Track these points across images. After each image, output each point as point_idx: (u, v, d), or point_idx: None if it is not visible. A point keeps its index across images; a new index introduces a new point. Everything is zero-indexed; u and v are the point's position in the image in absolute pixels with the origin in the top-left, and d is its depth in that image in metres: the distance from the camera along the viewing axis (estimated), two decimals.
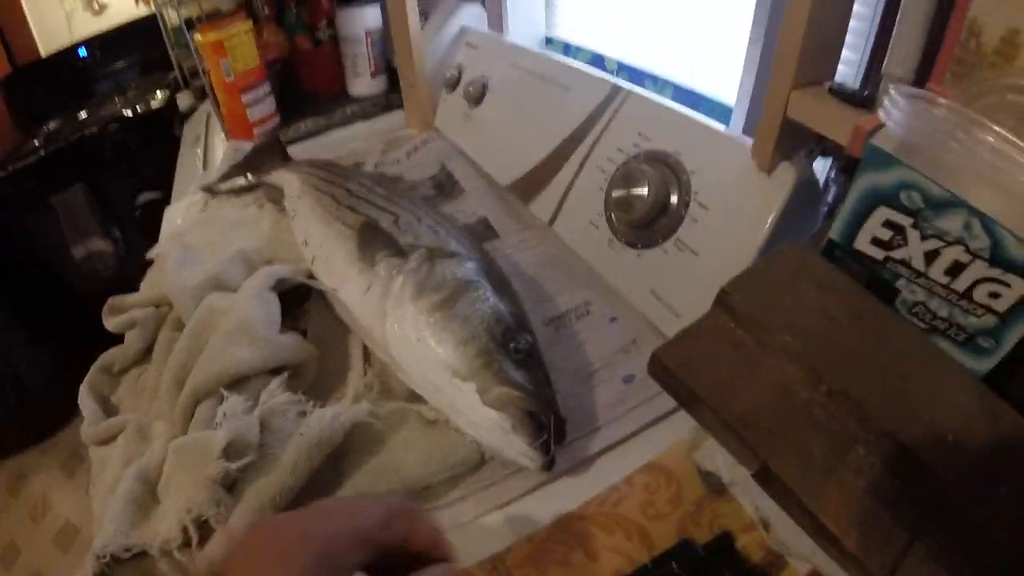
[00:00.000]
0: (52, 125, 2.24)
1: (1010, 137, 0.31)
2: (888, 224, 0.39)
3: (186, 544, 0.45)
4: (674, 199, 0.62)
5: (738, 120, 0.73)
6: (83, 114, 2.22)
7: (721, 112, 0.79)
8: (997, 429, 0.34)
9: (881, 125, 0.38)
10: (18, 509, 2.06)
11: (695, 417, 0.38)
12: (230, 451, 0.47)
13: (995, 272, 0.35)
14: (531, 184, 0.82)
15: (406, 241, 0.62)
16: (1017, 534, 0.30)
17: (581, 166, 0.74)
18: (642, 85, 0.82)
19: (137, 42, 2.41)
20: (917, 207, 0.37)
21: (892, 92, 0.36)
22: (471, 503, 0.49)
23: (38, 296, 2.20)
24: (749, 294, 0.40)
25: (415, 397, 0.55)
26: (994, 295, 0.35)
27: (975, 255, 0.35)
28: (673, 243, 0.61)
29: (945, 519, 0.31)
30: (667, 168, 0.63)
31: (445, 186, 0.90)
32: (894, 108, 0.36)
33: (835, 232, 0.42)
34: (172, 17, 2.03)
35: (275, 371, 0.56)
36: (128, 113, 2.02)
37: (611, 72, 0.98)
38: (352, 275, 0.62)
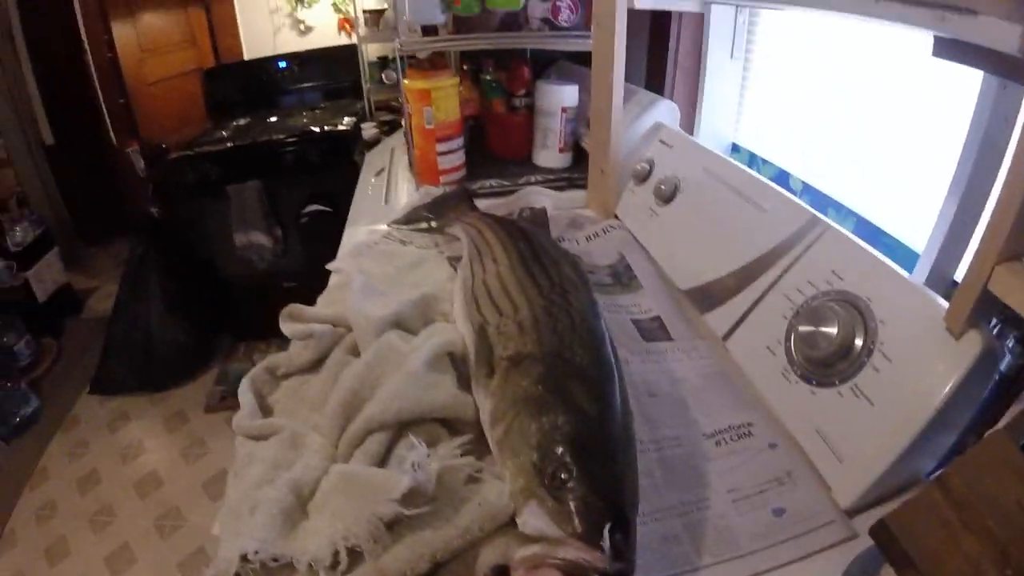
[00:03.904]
0: (242, 121, 2.47)
1: None
2: None
3: (332, 567, 0.46)
4: (859, 344, 0.60)
5: (923, 267, 0.73)
6: (272, 119, 2.43)
7: (903, 254, 0.79)
8: None
9: None
10: (112, 445, 2.20)
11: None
12: (406, 497, 0.48)
13: None
14: (711, 295, 0.81)
15: (498, 353, 0.60)
16: None
17: (767, 291, 0.73)
18: (824, 211, 0.81)
19: (332, 67, 2.65)
20: None
21: None
22: None
23: (190, 269, 2.39)
24: (962, 480, 0.43)
25: None
26: None
27: None
28: (850, 387, 0.60)
29: None
30: (857, 312, 0.61)
31: (622, 277, 0.91)
32: None
33: None
34: (370, 52, 2.23)
35: (443, 423, 0.57)
36: (315, 128, 2.19)
37: (795, 192, 0.97)
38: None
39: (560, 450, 0.48)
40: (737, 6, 1.08)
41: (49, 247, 2.71)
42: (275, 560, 0.47)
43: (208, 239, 2.33)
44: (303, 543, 0.48)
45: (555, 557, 0.42)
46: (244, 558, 0.46)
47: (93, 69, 2.42)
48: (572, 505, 0.44)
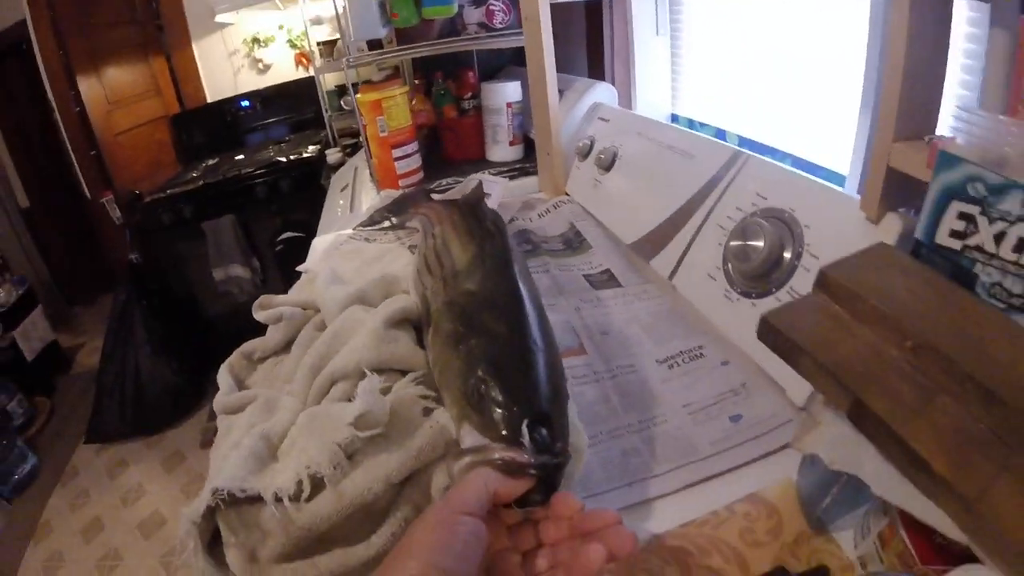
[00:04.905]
0: (211, 161, 2.53)
1: None
2: (961, 216, 0.44)
3: (296, 497, 0.48)
4: (788, 251, 0.65)
5: (852, 185, 0.79)
6: (240, 156, 2.49)
7: (836, 180, 0.84)
8: None
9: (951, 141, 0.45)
10: (112, 491, 2.21)
11: (796, 367, 0.42)
12: (360, 422, 0.50)
13: None
14: (654, 242, 0.86)
15: (432, 308, 0.65)
16: None
17: (702, 225, 0.79)
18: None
19: (293, 100, 2.72)
20: (982, 195, 0.42)
21: (958, 113, 0.44)
22: None
23: (173, 309, 2.43)
24: (845, 275, 0.44)
25: None
26: None
27: None
28: (786, 291, 0.64)
29: None
30: (782, 223, 0.66)
31: (573, 243, 0.97)
32: (960, 124, 0.44)
33: (919, 231, 0.47)
34: (328, 81, 2.30)
35: (403, 374, 0.61)
36: (282, 159, 2.25)
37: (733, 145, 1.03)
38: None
39: (476, 370, 0.51)
40: None
41: (33, 306, 2.74)
42: (243, 491, 0.48)
43: (188, 278, 2.37)
44: (271, 479, 0.50)
45: (485, 462, 0.45)
46: (215, 493, 0.48)
47: (61, 125, 2.47)
48: (492, 414, 0.47)
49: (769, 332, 0.44)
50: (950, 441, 0.33)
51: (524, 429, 0.45)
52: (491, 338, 0.55)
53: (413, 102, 1.45)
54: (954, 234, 0.45)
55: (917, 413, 0.35)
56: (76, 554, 1.97)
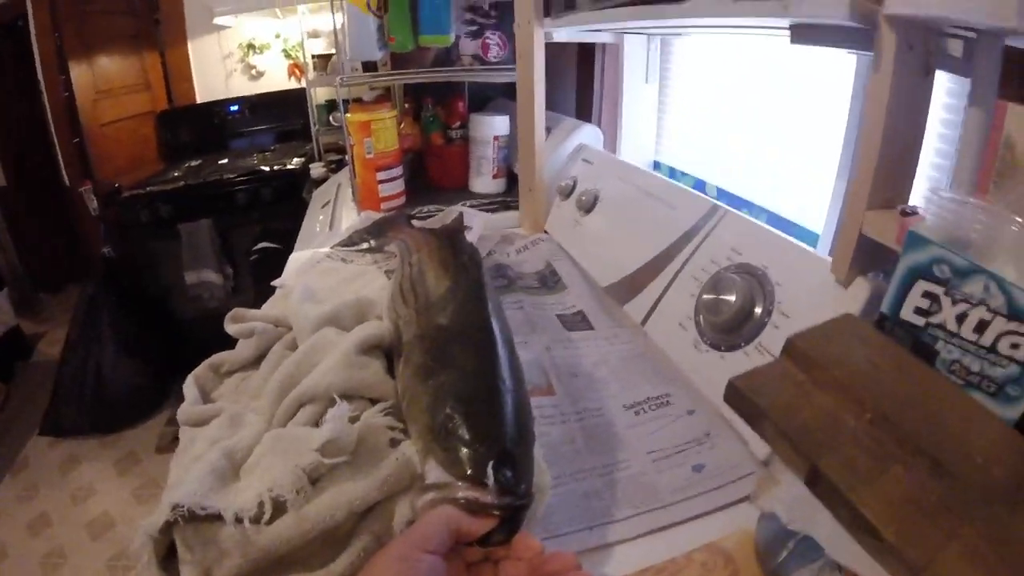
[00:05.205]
0: (194, 162, 2.51)
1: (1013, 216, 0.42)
2: (926, 295, 0.46)
3: (256, 519, 0.47)
4: (759, 307, 0.67)
5: (825, 244, 0.83)
6: (224, 160, 2.47)
7: (809, 238, 0.88)
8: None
9: (921, 220, 0.48)
10: (63, 488, 2.16)
11: (758, 430, 0.44)
12: (326, 448, 0.50)
13: (1013, 325, 0.42)
14: (629, 288, 0.88)
15: (404, 339, 0.65)
16: None
17: (676, 274, 0.80)
18: (739, 211, 0.89)
19: (282, 110, 2.72)
20: (947, 277, 0.45)
21: (929, 194, 0.47)
22: None
23: (142, 308, 2.38)
24: (810, 344, 0.47)
25: None
26: (1015, 346, 0.42)
27: (995, 312, 0.42)
28: (755, 347, 0.66)
29: (978, 525, 0.34)
30: (755, 280, 0.68)
31: (548, 281, 0.98)
32: (931, 206, 0.47)
33: (884, 306, 0.50)
34: (318, 95, 2.30)
35: (372, 402, 0.61)
36: (265, 168, 2.24)
37: (712, 197, 1.06)
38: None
39: (444, 406, 0.51)
40: (648, 35, 1.19)
41: None
42: (203, 509, 0.47)
43: (160, 278, 2.33)
44: (233, 498, 0.49)
45: (449, 500, 0.45)
46: (175, 509, 0.47)
47: (48, 109, 2.44)
48: (459, 451, 0.48)
49: (735, 395, 0.46)
50: (901, 510, 0.35)
51: (489, 470, 0.46)
52: (460, 374, 0.55)
53: (402, 125, 1.46)
54: (918, 311, 0.47)
55: (870, 481, 0.36)
56: (20, 548, 1.91)
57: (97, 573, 1.82)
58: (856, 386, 0.41)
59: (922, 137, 0.54)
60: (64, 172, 2.53)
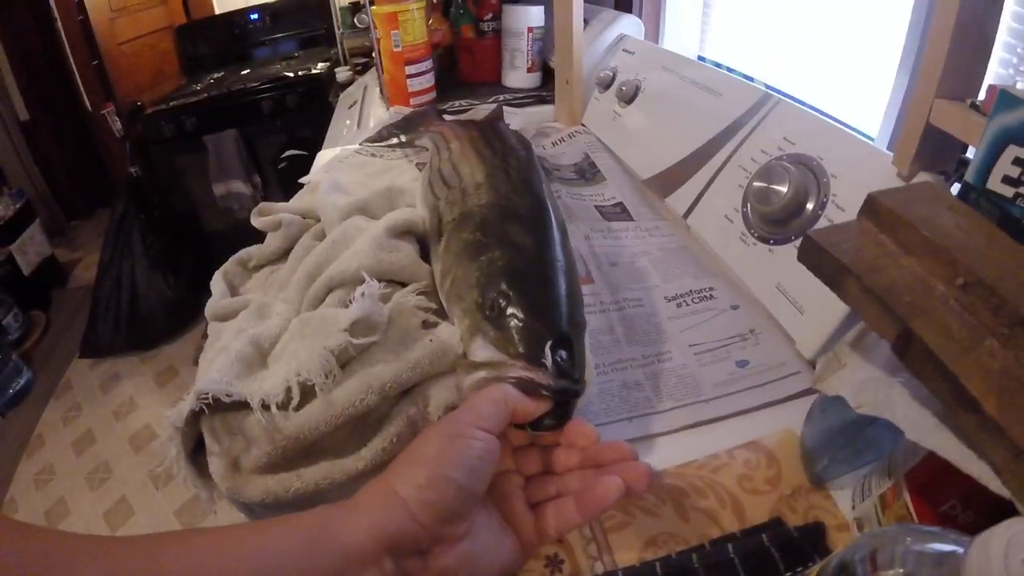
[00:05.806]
0: (216, 74, 2.46)
1: None
2: (1017, 161, 0.40)
3: (284, 405, 0.45)
4: (812, 199, 0.62)
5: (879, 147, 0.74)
6: (246, 70, 2.41)
7: None
8: None
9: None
10: (105, 405, 2.23)
11: (839, 290, 0.39)
12: (356, 328, 0.47)
13: None
14: (671, 179, 0.83)
15: (445, 220, 0.61)
16: None
17: (723, 165, 0.75)
18: None
19: (304, 15, 2.62)
20: None
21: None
22: None
23: (172, 224, 2.39)
24: (893, 203, 0.41)
25: None
26: None
27: None
28: None
29: None
30: (809, 170, 0.63)
31: (587, 173, 0.94)
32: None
33: (970, 175, 0.44)
34: None
35: (403, 286, 0.58)
36: (290, 75, 2.18)
37: None
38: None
39: (498, 282, 0.48)
40: None
41: (31, 220, 2.70)
42: (228, 396, 0.45)
43: (188, 193, 2.33)
44: (259, 385, 0.47)
45: (501, 378, 0.43)
46: (200, 397, 0.45)
47: (63, 33, 2.37)
48: (513, 330, 0.45)
49: (812, 250, 0.41)
50: (1000, 384, 0.30)
51: (547, 350, 0.43)
52: (516, 251, 0.52)
53: (430, 21, 1.38)
54: (1007, 180, 0.42)
55: (967, 351, 0.32)
56: (67, 467, 1.99)
57: (141, 484, 1.90)
58: (947, 249, 0.36)
59: (995, 29, 0.48)
60: (85, 96, 2.48)
